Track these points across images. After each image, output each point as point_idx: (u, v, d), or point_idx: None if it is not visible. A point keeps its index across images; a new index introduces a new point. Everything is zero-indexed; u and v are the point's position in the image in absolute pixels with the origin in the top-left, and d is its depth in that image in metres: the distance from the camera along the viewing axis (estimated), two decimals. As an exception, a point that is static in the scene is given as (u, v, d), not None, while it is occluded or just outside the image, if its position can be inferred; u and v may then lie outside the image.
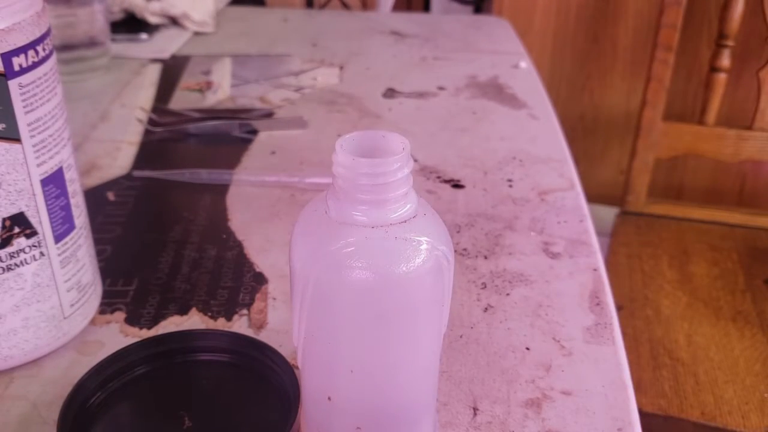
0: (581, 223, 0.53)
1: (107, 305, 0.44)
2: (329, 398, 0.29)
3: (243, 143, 0.66)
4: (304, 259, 0.27)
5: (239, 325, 0.43)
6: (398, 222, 0.26)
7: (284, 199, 0.57)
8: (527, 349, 0.41)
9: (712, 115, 1.21)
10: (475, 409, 0.37)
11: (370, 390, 0.29)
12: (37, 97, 0.35)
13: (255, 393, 0.35)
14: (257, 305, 0.45)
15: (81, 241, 0.40)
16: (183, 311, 0.44)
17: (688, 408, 0.89)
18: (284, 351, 0.36)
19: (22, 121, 0.35)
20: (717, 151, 1.22)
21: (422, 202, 0.28)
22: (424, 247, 0.26)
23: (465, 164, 0.62)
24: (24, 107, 0.35)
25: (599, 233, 0.54)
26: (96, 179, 0.59)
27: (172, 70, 0.82)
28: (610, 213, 1.31)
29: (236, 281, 0.47)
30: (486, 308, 0.44)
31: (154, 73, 0.82)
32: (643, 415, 0.74)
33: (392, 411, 0.30)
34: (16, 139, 0.35)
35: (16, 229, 0.36)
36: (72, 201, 0.39)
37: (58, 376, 0.39)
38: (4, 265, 0.36)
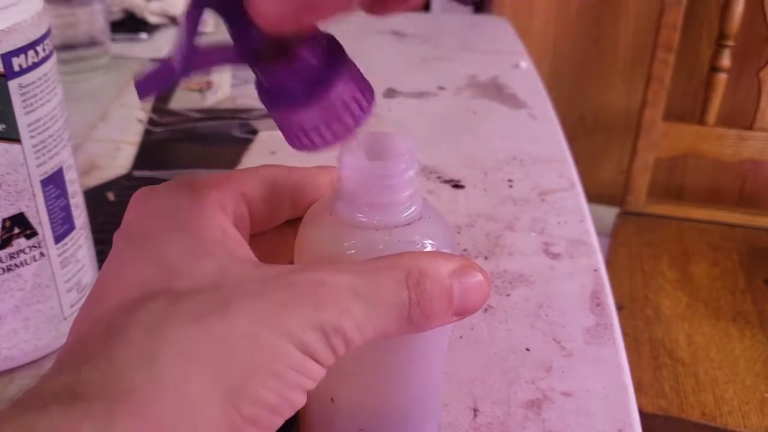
0: (581, 223, 0.53)
1: (107, 306, 0.44)
2: (332, 399, 0.29)
3: (243, 143, 0.66)
4: (308, 260, 0.27)
5: (239, 325, 0.43)
6: (403, 224, 0.26)
7: (284, 200, 0.57)
8: (527, 350, 0.41)
9: (712, 115, 1.21)
10: (475, 410, 0.37)
11: (373, 392, 0.29)
12: (37, 98, 0.35)
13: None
14: (257, 306, 0.45)
15: (81, 241, 0.40)
16: (183, 312, 0.44)
17: (688, 408, 0.89)
18: (284, 352, 0.36)
19: (22, 121, 0.35)
20: (717, 151, 1.22)
21: (427, 203, 0.28)
22: (428, 249, 0.26)
23: (465, 164, 0.62)
24: (24, 108, 0.34)
25: (599, 233, 0.54)
26: (96, 179, 0.59)
27: (172, 70, 0.82)
28: (610, 213, 1.31)
29: (236, 282, 0.47)
30: (486, 309, 0.44)
31: (154, 73, 0.82)
32: (644, 416, 0.74)
33: (396, 413, 0.29)
34: (16, 140, 0.35)
35: (16, 230, 0.36)
36: (72, 201, 0.39)
37: (58, 376, 0.39)
38: (4, 265, 0.36)
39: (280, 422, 0.22)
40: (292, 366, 0.21)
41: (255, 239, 0.28)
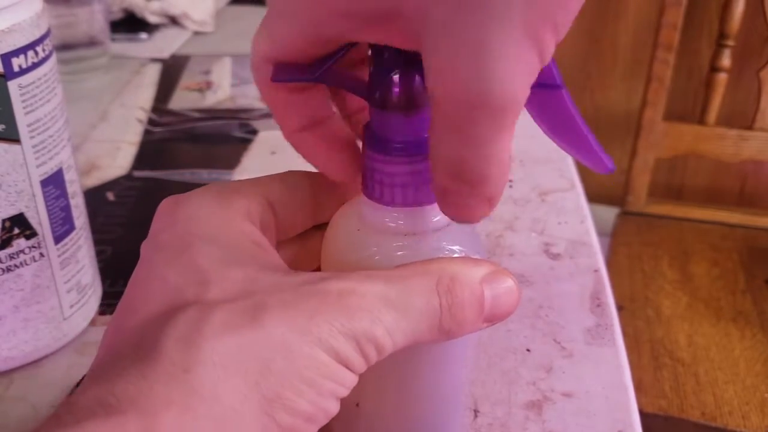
0: (582, 223, 0.53)
1: (107, 306, 0.44)
2: (357, 404, 0.28)
3: (243, 143, 0.66)
4: (336, 266, 0.26)
5: (239, 326, 0.43)
6: (431, 230, 0.26)
7: (284, 200, 0.57)
8: (528, 350, 0.41)
9: (712, 115, 1.21)
10: (475, 411, 0.37)
11: (399, 397, 0.28)
12: (37, 98, 0.35)
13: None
14: (257, 306, 0.45)
15: (81, 242, 0.40)
16: (183, 312, 0.44)
17: (688, 408, 0.89)
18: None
19: (22, 122, 0.34)
20: (717, 151, 1.22)
21: None
22: (457, 255, 0.26)
23: (465, 164, 0.62)
24: (24, 108, 0.34)
25: (599, 233, 0.54)
26: (96, 179, 0.59)
27: (171, 70, 0.82)
28: (610, 213, 1.31)
29: (236, 282, 0.47)
30: (486, 309, 0.44)
31: (153, 72, 0.82)
32: (644, 416, 0.74)
33: (421, 419, 0.29)
34: (16, 140, 0.34)
35: (16, 230, 0.36)
36: (72, 202, 0.39)
37: (57, 377, 0.39)
38: (3, 266, 0.36)
39: (314, 431, 0.22)
40: (326, 374, 0.21)
41: (281, 245, 0.28)
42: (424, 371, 0.28)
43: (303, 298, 0.22)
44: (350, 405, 0.28)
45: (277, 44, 0.23)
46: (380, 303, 0.22)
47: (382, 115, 0.24)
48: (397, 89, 0.23)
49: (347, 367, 0.22)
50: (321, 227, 0.28)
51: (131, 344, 0.21)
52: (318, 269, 0.28)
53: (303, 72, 0.24)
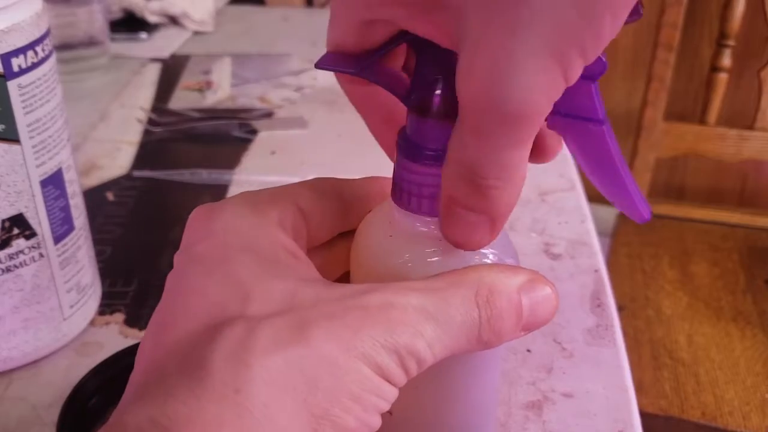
0: (582, 223, 0.53)
1: (107, 306, 0.44)
2: (390, 413, 0.28)
3: (243, 143, 0.66)
4: (370, 273, 0.26)
5: (239, 326, 0.43)
6: None
7: (284, 200, 0.56)
8: (528, 351, 0.41)
9: (713, 114, 1.21)
10: (475, 411, 0.37)
11: (432, 406, 0.28)
12: (36, 98, 0.35)
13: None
14: (257, 306, 0.44)
15: (80, 242, 0.40)
16: (183, 312, 0.44)
17: (688, 408, 0.88)
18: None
19: (22, 122, 0.34)
20: (718, 150, 1.22)
21: None
22: (489, 260, 0.26)
23: (466, 164, 0.62)
24: (23, 108, 0.34)
25: (600, 233, 0.54)
26: (96, 179, 0.59)
27: (171, 70, 0.82)
28: (610, 213, 1.31)
29: (236, 282, 0.47)
30: (487, 309, 0.44)
31: (153, 72, 0.82)
32: (644, 416, 0.74)
33: (456, 427, 0.29)
34: (16, 140, 0.34)
35: (16, 231, 0.36)
36: (71, 202, 0.39)
37: (57, 377, 0.39)
38: (3, 266, 0.36)
39: None
40: (369, 389, 0.21)
41: (308, 253, 0.28)
42: (460, 380, 0.27)
43: (346, 312, 0.22)
44: (384, 414, 0.28)
45: (335, 29, 0.24)
46: (420, 316, 0.22)
47: (419, 121, 0.24)
48: (436, 95, 0.23)
49: (388, 381, 0.22)
50: (346, 235, 0.28)
51: (176, 361, 0.21)
52: (345, 276, 0.28)
53: (348, 64, 0.24)
